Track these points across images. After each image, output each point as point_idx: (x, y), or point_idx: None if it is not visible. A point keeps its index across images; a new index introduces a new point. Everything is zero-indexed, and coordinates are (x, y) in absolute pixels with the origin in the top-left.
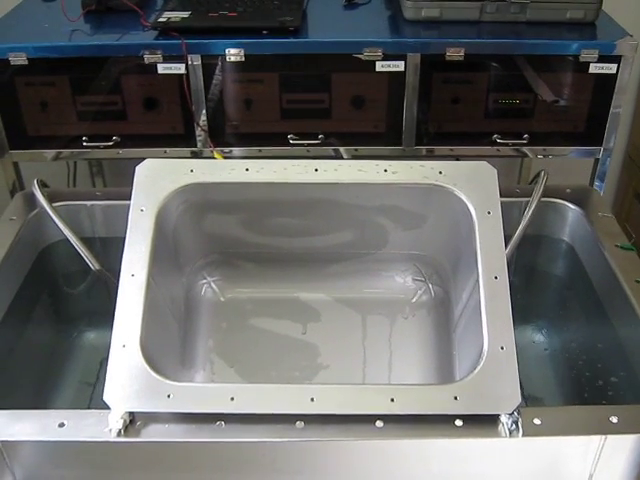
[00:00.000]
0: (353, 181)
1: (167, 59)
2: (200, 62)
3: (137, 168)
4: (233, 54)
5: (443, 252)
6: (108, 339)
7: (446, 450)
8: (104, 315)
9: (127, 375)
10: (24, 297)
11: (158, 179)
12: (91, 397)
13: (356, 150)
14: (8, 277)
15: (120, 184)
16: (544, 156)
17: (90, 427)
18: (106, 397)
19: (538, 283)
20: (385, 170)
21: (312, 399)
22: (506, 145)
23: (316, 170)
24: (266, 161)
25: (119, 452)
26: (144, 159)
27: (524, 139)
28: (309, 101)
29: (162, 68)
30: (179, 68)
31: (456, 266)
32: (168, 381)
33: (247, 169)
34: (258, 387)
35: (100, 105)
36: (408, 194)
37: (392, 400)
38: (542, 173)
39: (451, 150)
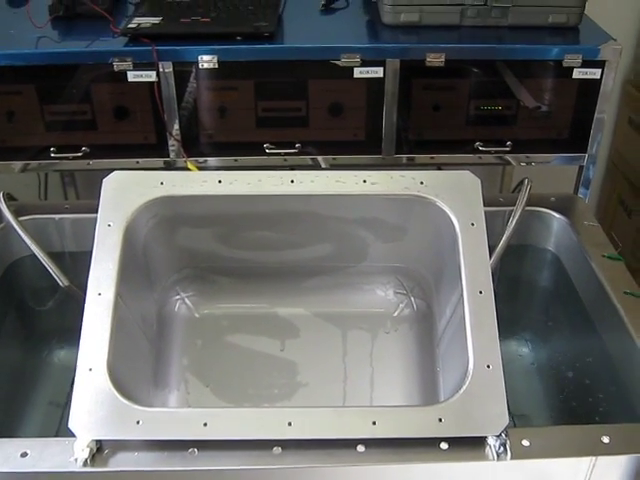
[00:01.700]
0: (331, 192)
1: (137, 66)
2: (172, 69)
3: (104, 181)
4: (206, 61)
5: (425, 265)
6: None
7: (431, 474)
8: (74, 332)
9: (93, 400)
10: None
11: (126, 192)
12: (60, 420)
13: (334, 159)
14: None
15: (93, 196)
16: (527, 163)
17: (55, 456)
18: (71, 424)
19: (523, 294)
20: (364, 181)
21: (289, 423)
22: (488, 153)
23: (292, 181)
24: (239, 173)
25: None
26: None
27: (507, 146)
28: (285, 109)
29: (132, 76)
30: (150, 76)
31: (439, 279)
32: (137, 406)
33: (220, 181)
34: (232, 411)
35: (69, 115)
36: (388, 205)
37: (374, 423)
38: (526, 181)
39: (432, 158)
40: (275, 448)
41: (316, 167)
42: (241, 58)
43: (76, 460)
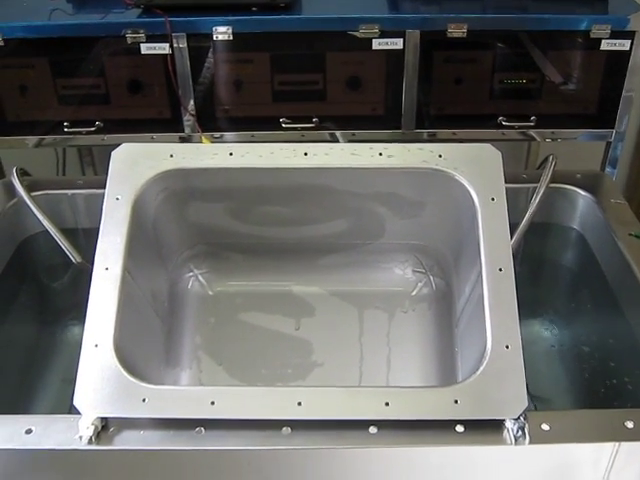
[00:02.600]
0: (345, 165)
1: (151, 39)
2: (186, 41)
3: (113, 153)
4: (220, 32)
5: (444, 242)
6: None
7: (446, 458)
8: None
9: (99, 377)
10: (3, 292)
11: (135, 165)
12: (72, 397)
13: (353, 134)
14: None
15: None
16: (552, 139)
17: (59, 434)
18: (76, 401)
19: (546, 274)
20: (380, 154)
21: (299, 403)
22: (512, 128)
23: (305, 154)
24: (251, 145)
25: (90, 460)
26: None
27: (531, 121)
28: (302, 82)
29: (145, 48)
30: (163, 48)
31: (458, 257)
32: (143, 383)
33: (231, 153)
34: (241, 390)
35: (82, 89)
36: (405, 179)
37: (387, 404)
38: (550, 157)
39: (454, 134)
40: (284, 428)
41: (334, 142)
42: (257, 29)
43: (81, 438)
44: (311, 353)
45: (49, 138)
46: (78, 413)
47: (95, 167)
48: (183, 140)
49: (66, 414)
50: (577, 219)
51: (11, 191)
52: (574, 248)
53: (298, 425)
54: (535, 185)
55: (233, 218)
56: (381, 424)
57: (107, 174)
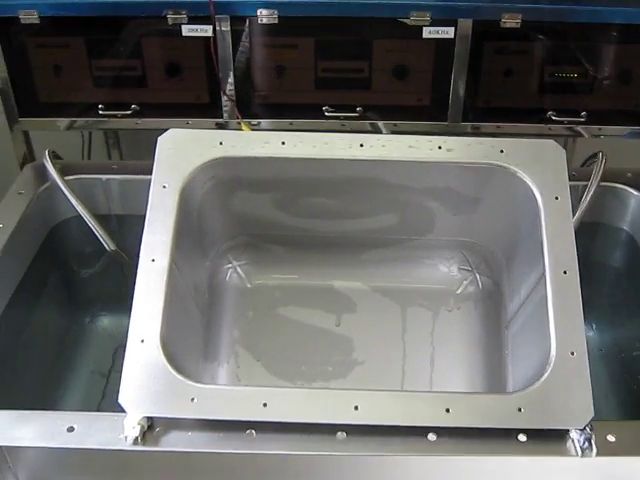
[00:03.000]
0: (403, 158)
1: (192, 20)
2: (229, 24)
3: (159, 139)
4: (265, 15)
5: (496, 240)
6: (124, 325)
7: (507, 468)
8: (119, 299)
9: (146, 375)
10: (33, 279)
11: (183, 152)
12: (104, 391)
13: (395, 125)
14: (16, 256)
15: (138, 157)
16: (597, 136)
17: (103, 433)
18: (121, 399)
19: (593, 275)
20: (439, 147)
21: (356, 407)
22: (561, 123)
23: (361, 145)
24: (304, 134)
25: (135, 461)
26: (164, 130)
27: (582, 117)
28: (347, 70)
29: (187, 30)
30: (206, 30)
31: (512, 256)
32: (192, 382)
33: (283, 142)
34: (294, 392)
35: (118, 70)
36: (463, 175)
37: (447, 411)
38: (600, 154)
39: (498, 127)
40: (339, 433)
41: (376, 132)
42: (302, 13)
43: (126, 438)
44: (352, 351)
45: (81, 121)
46: (110, 407)
47: (121, 151)
48: (220, 126)
49: (106, 411)
50: (627, 219)
51: (43, 174)
52: (623, 249)
53: (354, 430)
54: (584, 183)
55: (278, 209)
56: (441, 431)
57: (152, 160)
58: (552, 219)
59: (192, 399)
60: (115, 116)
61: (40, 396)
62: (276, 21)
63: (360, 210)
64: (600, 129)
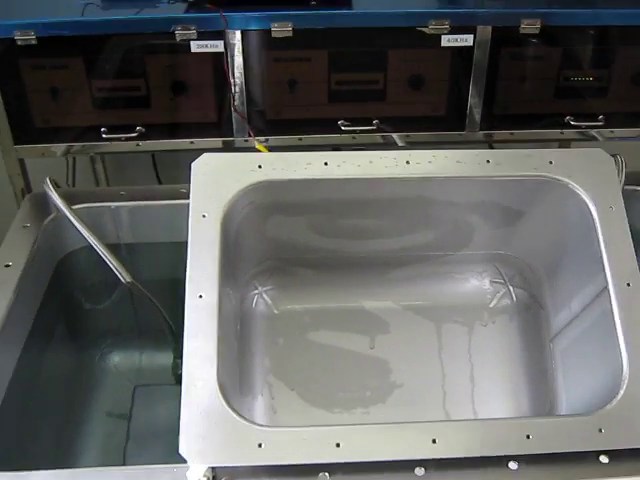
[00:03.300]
0: (451, 175)
1: (202, 36)
2: (240, 38)
3: (193, 165)
4: (278, 28)
5: (536, 252)
6: (136, 362)
7: None
8: (129, 333)
9: (206, 421)
10: (44, 319)
11: (220, 177)
12: (128, 434)
13: (408, 136)
14: (27, 296)
15: (124, 180)
16: (611, 139)
17: None
18: (183, 450)
19: None
20: (488, 161)
21: (434, 440)
22: (579, 128)
23: (407, 162)
24: (347, 153)
25: None
26: (167, 151)
27: (599, 120)
28: (361, 82)
29: (196, 46)
30: (216, 45)
31: (555, 268)
32: (257, 426)
33: (326, 163)
34: (368, 429)
35: (120, 90)
36: (512, 188)
37: (528, 437)
38: (619, 158)
39: (511, 134)
40: (417, 469)
41: (389, 145)
42: (317, 25)
43: None
44: (389, 373)
45: (78, 145)
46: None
47: (107, 174)
48: (226, 145)
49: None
50: None
51: (45, 204)
52: None
53: (431, 464)
54: None
55: (311, 231)
56: (521, 458)
57: (188, 186)
58: (609, 230)
59: (259, 445)
60: (119, 139)
61: (57, 441)
62: (290, 34)
63: (396, 228)
64: (612, 132)
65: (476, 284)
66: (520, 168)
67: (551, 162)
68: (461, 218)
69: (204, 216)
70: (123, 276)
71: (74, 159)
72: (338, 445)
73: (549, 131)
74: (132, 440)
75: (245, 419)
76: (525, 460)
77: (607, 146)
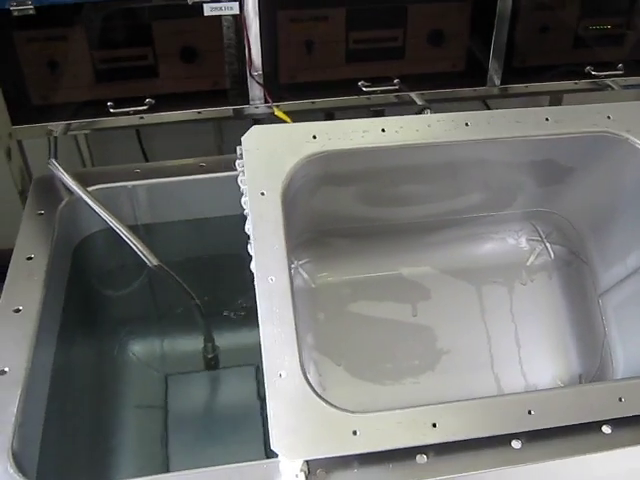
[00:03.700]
0: (512, 135)
1: None
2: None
3: (243, 139)
4: None
5: (579, 208)
6: (158, 349)
7: None
8: (149, 320)
9: (295, 413)
10: (71, 309)
11: (275, 151)
12: (166, 424)
13: (422, 94)
14: (55, 290)
15: (110, 156)
16: (627, 87)
17: None
18: (275, 445)
19: None
20: (547, 119)
21: (529, 412)
22: (599, 78)
23: (467, 124)
24: (403, 118)
25: None
26: (174, 123)
27: (618, 69)
28: (380, 39)
29: (209, 9)
30: (231, 8)
31: (607, 224)
32: (349, 413)
33: (383, 129)
34: (463, 405)
35: (125, 61)
36: (569, 145)
37: (620, 399)
38: None
39: (526, 87)
40: (514, 441)
41: (407, 104)
42: None
43: None
44: (434, 340)
45: (75, 123)
46: (273, 454)
47: (90, 150)
48: (238, 114)
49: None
50: None
51: (54, 188)
52: None
53: (528, 437)
54: None
55: (354, 201)
56: (615, 422)
57: (243, 163)
58: None
59: (354, 432)
60: (127, 113)
61: (90, 440)
62: None
63: (442, 193)
64: (625, 80)
65: (512, 243)
66: (580, 125)
67: (609, 117)
68: (510, 178)
69: (263, 194)
70: (149, 259)
71: (55, 139)
72: (434, 425)
73: (563, 82)
74: (173, 432)
75: (336, 407)
76: (620, 423)
77: (623, 95)
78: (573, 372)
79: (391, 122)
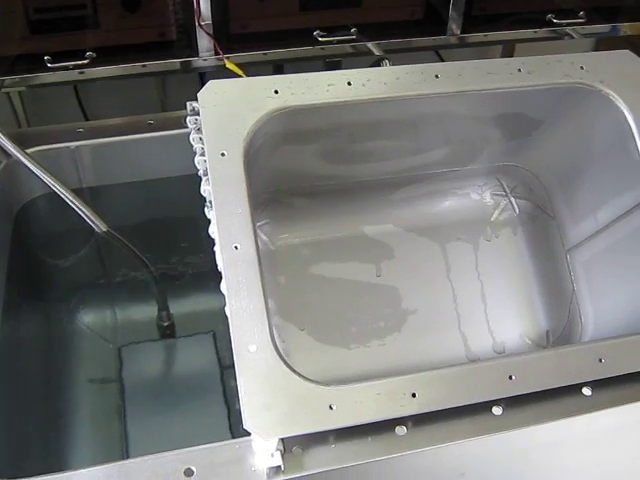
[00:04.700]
0: (483, 88)
1: None
2: None
3: (199, 95)
4: None
5: (548, 162)
6: (109, 320)
7: None
8: (99, 289)
9: (268, 389)
10: (15, 278)
11: (233, 108)
12: (123, 399)
13: (379, 44)
14: None
15: (46, 116)
16: (586, 35)
17: (231, 468)
18: (248, 424)
19: None
20: (519, 70)
21: (510, 377)
22: (560, 26)
23: (436, 77)
24: (370, 70)
25: None
26: (117, 78)
27: (580, 17)
28: None
29: None
30: None
31: (576, 178)
32: (325, 387)
33: (349, 83)
34: (441, 373)
35: (60, 11)
36: (540, 97)
37: (600, 360)
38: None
39: (485, 36)
40: (494, 408)
41: (363, 55)
42: None
43: (269, 470)
44: (399, 300)
45: (9, 80)
46: (246, 434)
47: (25, 110)
48: (185, 67)
49: (225, 440)
50: None
51: None
52: None
53: (509, 402)
54: None
55: (314, 159)
56: (595, 384)
57: (195, 120)
58: None
59: (330, 406)
60: (66, 68)
61: (44, 419)
62: None
63: (406, 148)
64: (584, 28)
65: (476, 198)
66: (552, 76)
67: (582, 67)
68: (477, 132)
69: (223, 154)
70: (97, 225)
71: None
72: (414, 395)
73: (523, 31)
74: (131, 406)
75: (311, 381)
76: (600, 385)
77: (582, 44)
78: (541, 329)
79: (357, 75)
